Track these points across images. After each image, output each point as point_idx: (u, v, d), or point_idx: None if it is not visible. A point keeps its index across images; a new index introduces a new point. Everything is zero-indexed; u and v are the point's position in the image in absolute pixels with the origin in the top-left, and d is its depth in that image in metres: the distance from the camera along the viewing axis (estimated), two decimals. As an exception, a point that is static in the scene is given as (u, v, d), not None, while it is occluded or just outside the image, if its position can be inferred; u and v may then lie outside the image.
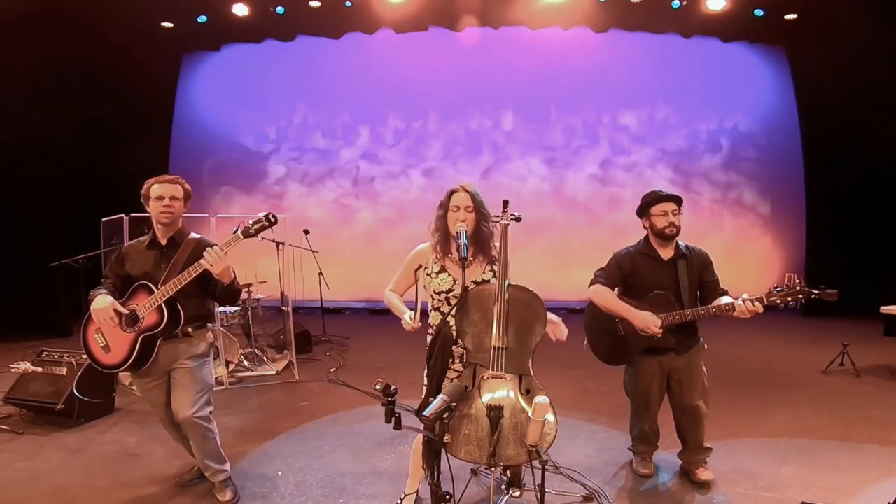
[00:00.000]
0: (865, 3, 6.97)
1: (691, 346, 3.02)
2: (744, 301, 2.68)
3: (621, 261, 3.07)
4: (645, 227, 3.07)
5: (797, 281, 2.67)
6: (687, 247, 3.05)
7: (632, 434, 3.30)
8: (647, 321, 2.86)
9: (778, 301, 2.67)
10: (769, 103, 9.18)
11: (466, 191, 2.53)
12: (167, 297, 2.66)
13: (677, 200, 2.99)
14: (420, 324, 2.42)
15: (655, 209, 2.98)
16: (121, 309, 2.70)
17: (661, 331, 2.86)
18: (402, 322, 2.43)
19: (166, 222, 2.78)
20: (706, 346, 3.11)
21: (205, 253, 2.60)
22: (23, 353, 4.96)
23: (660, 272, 2.99)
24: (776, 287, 2.73)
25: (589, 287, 3.08)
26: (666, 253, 3.01)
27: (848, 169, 8.05)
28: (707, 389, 3.06)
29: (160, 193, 2.75)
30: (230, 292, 2.79)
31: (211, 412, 2.90)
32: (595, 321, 3.16)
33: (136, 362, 2.72)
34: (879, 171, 7.73)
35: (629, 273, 3.04)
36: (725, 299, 2.84)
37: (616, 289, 3.08)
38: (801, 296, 2.66)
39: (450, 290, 2.55)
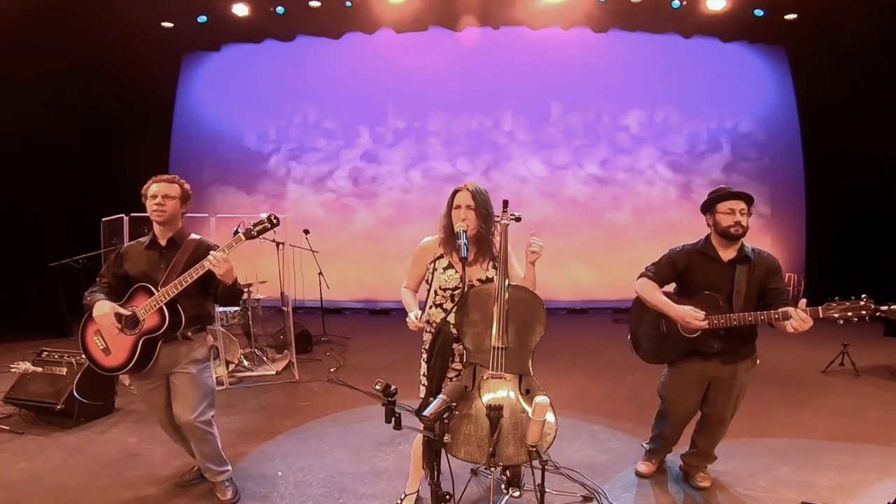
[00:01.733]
0: (866, 3, 6.96)
1: (740, 359, 2.82)
2: (798, 309, 2.47)
3: (675, 258, 2.90)
4: (708, 225, 2.86)
5: (863, 295, 2.44)
6: (753, 250, 2.82)
7: (652, 431, 3.24)
8: (687, 314, 2.68)
9: (836, 315, 2.45)
10: (769, 103, 9.18)
11: (468, 189, 2.52)
12: (169, 298, 2.64)
13: (748, 199, 2.76)
14: (424, 324, 2.43)
15: (722, 206, 2.76)
16: (122, 311, 2.69)
17: (704, 324, 2.65)
18: (407, 320, 2.44)
19: (158, 220, 2.79)
20: (758, 362, 2.90)
21: (210, 254, 2.59)
22: (23, 353, 4.95)
23: (715, 273, 2.78)
24: (836, 298, 2.49)
25: (636, 280, 2.96)
26: (727, 254, 2.80)
27: (848, 169, 8.04)
28: (737, 407, 2.93)
29: (154, 192, 2.76)
30: (232, 293, 2.78)
31: (213, 416, 2.91)
32: (639, 316, 3.04)
33: (137, 365, 2.71)
34: (880, 172, 7.71)
35: (683, 271, 2.87)
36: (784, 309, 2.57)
37: (671, 287, 2.94)
38: (864, 311, 2.42)
39: (456, 288, 2.54)
